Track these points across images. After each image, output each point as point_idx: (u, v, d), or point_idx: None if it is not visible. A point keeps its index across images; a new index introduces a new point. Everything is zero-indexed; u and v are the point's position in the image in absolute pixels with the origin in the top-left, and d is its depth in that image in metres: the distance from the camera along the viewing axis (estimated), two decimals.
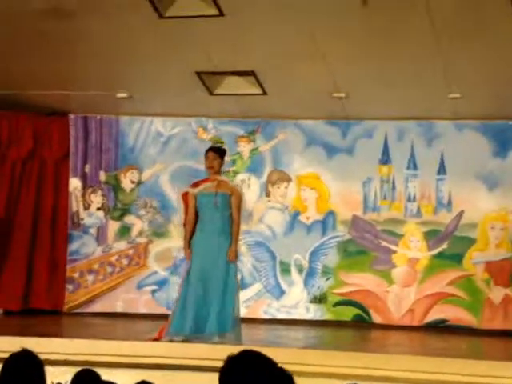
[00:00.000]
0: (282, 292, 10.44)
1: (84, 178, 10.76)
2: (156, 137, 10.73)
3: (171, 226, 10.64)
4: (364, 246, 10.33)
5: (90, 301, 10.61)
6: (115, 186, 10.77)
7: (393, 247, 10.26)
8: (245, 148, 10.53)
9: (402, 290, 10.19)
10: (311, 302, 10.36)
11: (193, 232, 7.64)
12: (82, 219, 10.72)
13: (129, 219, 10.75)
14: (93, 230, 10.74)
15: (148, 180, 10.74)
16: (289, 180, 10.55)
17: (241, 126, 10.62)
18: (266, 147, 10.61)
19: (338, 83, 9.50)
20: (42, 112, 10.62)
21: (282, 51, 8.96)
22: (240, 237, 7.90)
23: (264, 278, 10.46)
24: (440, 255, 10.14)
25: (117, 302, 10.60)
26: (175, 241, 10.60)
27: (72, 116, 10.75)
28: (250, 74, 9.58)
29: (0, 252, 10.40)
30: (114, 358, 6.77)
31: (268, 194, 10.57)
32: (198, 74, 9.61)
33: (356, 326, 10.13)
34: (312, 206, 10.51)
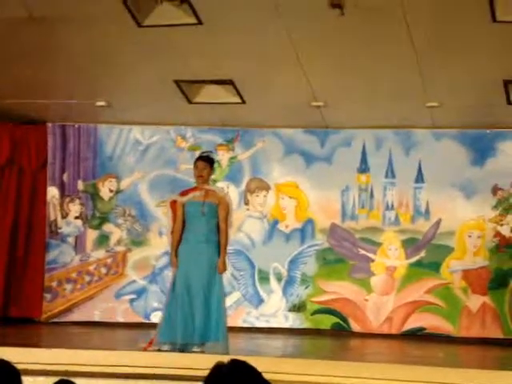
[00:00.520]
0: (261, 300, 10.44)
1: (62, 186, 10.72)
2: (134, 145, 10.72)
3: (150, 235, 10.63)
4: (342, 255, 10.36)
5: (68, 310, 10.57)
6: (93, 195, 10.73)
7: (371, 255, 10.29)
8: (223, 156, 10.54)
9: (380, 298, 10.22)
10: (290, 310, 10.37)
11: (180, 240, 7.63)
12: (60, 228, 10.68)
13: (107, 228, 10.72)
14: (71, 239, 10.70)
15: (126, 188, 10.71)
16: (267, 188, 10.56)
17: (219, 135, 10.62)
18: (244, 156, 10.62)
19: (316, 92, 9.53)
20: (20, 121, 10.57)
21: (261, 60, 8.98)
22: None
23: (243, 287, 10.46)
24: (418, 263, 10.18)
25: (95, 311, 10.56)
26: (154, 249, 10.60)
27: (50, 124, 10.71)
28: (229, 82, 9.60)
29: None
30: (92, 367, 6.73)
31: (247, 203, 10.58)
32: (177, 82, 9.61)
33: (335, 334, 10.15)
34: (291, 214, 10.52)
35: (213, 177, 10.45)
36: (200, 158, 7.80)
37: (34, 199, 10.65)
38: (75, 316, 10.55)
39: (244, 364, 3.09)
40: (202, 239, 7.51)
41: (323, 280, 10.34)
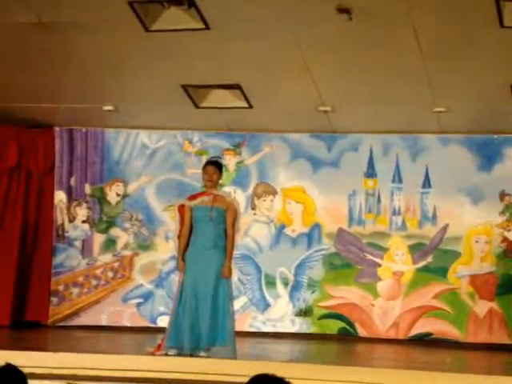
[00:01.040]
0: (268, 305, 10.44)
1: (69, 190, 10.73)
2: (142, 150, 10.73)
3: (156, 239, 10.63)
4: (349, 259, 10.35)
5: (75, 314, 10.57)
6: (101, 199, 10.75)
7: (378, 260, 10.28)
8: (230, 161, 10.54)
9: (387, 303, 10.21)
10: (296, 315, 10.36)
11: (187, 245, 7.63)
12: (67, 232, 10.70)
13: (114, 232, 10.73)
14: (78, 243, 10.71)
15: (133, 193, 10.72)
16: (274, 193, 10.56)
17: (226, 139, 10.63)
18: (251, 160, 10.62)
19: (323, 97, 9.53)
20: (28, 125, 10.60)
21: (268, 65, 8.99)
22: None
23: (249, 291, 10.46)
24: (425, 268, 10.17)
25: (101, 315, 10.56)
26: (160, 254, 10.60)
27: (57, 129, 10.73)
28: (236, 87, 9.61)
29: None
30: (98, 371, 6.73)
31: (254, 207, 10.58)
32: (184, 87, 9.63)
33: (341, 339, 10.13)
34: (297, 219, 10.52)
35: (220, 181, 10.52)
36: (209, 162, 7.80)
37: (41, 203, 10.67)
38: (82, 320, 10.55)
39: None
40: (209, 244, 7.51)
41: (330, 285, 10.33)
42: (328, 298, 10.31)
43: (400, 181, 10.33)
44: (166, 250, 10.55)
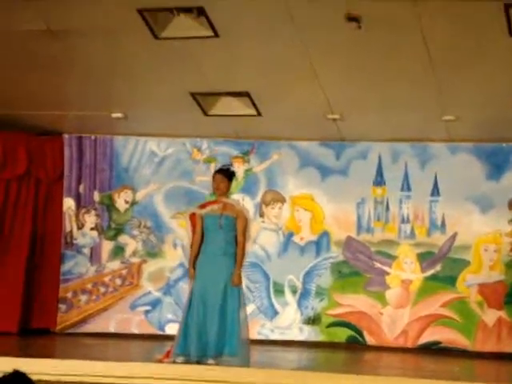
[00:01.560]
0: (276, 313, 10.42)
1: (78, 197, 10.75)
2: (150, 157, 10.74)
3: (165, 247, 10.64)
4: (358, 267, 10.33)
5: (83, 321, 10.58)
6: (109, 206, 10.76)
7: (386, 268, 10.26)
8: (239, 168, 10.54)
9: (395, 311, 10.18)
10: (305, 323, 10.35)
11: (199, 253, 7.66)
12: (76, 239, 10.71)
13: (123, 239, 10.74)
14: (86, 250, 10.72)
15: (142, 200, 10.73)
16: (283, 201, 10.56)
17: (235, 147, 10.63)
18: (260, 168, 10.62)
19: (332, 105, 9.53)
20: (37, 132, 10.62)
21: (277, 72, 8.99)
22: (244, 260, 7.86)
23: (258, 299, 10.45)
24: (434, 277, 10.14)
25: (110, 323, 10.57)
26: (168, 261, 10.61)
27: (66, 136, 10.75)
28: (245, 94, 9.61)
29: None
30: (106, 378, 6.74)
31: (262, 215, 10.57)
32: (193, 94, 9.64)
33: (350, 347, 10.11)
34: (306, 226, 10.51)
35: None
36: (218, 171, 7.86)
37: (49, 210, 10.69)
38: (90, 327, 10.56)
39: None
40: (219, 252, 7.54)
41: (338, 293, 10.31)
42: (336, 306, 10.29)
43: (409, 189, 10.32)
44: (174, 257, 10.57)
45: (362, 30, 7.88)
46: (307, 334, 10.32)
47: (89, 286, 10.67)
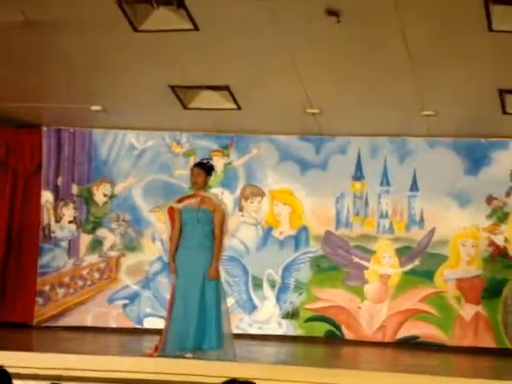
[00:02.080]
0: (254, 307, 10.42)
1: (56, 190, 10.70)
2: (129, 150, 10.70)
3: (143, 240, 10.61)
4: (336, 262, 10.35)
5: (61, 314, 10.53)
6: (87, 199, 10.71)
7: (365, 263, 10.28)
8: (218, 162, 10.52)
9: (373, 306, 10.21)
10: (283, 317, 10.35)
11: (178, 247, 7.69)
12: (54, 232, 10.66)
13: (101, 232, 10.70)
14: (64, 243, 10.67)
15: (121, 193, 10.69)
16: (262, 195, 10.55)
17: (214, 141, 10.61)
18: (239, 162, 10.61)
19: (311, 99, 9.53)
20: (15, 124, 10.56)
21: (257, 66, 8.98)
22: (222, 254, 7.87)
23: (236, 293, 10.44)
24: (412, 272, 10.17)
25: (87, 316, 10.52)
26: (147, 255, 10.58)
27: (45, 128, 10.69)
28: (225, 88, 9.59)
29: None
30: (83, 372, 6.72)
31: (241, 209, 10.56)
32: (172, 87, 9.61)
33: (328, 341, 10.13)
34: (285, 221, 10.51)
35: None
36: (196, 165, 7.94)
37: (27, 203, 10.63)
38: (67, 320, 10.51)
39: None
40: (196, 246, 7.59)
41: (317, 287, 10.32)
42: (315, 301, 10.30)
43: (388, 184, 10.34)
44: (152, 251, 10.54)
45: (342, 25, 7.88)
46: (286, 328, 10.33)
47: (66, 279, 10.62)
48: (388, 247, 10.27)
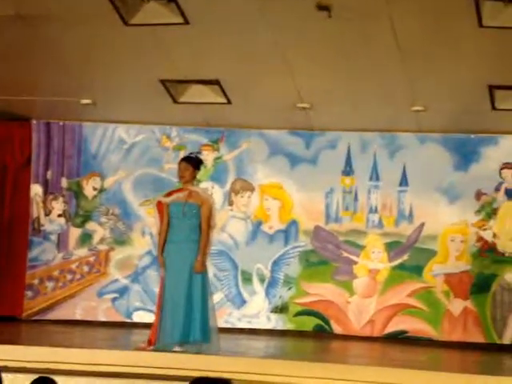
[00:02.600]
0: (244, 301, 10.43)
1: (45, 184, 10.68)
2: (119, 144, 10.69)
3: (133, 234, 10.60)
4: (326, 257, 10.36)
5: (49, 308, 10.52)
6: (77, 193, 10.70)
7: (354, 258, 10.30)
8: (208, 156, 10.52)
9: (362, 300, 10.23)
10: (272, 311, 10.36)
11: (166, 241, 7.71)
12: (43, 225, 10.64)
13: (90, 226, 10.68)
14: (53, 237, 10.66)
15: (110, 187, 10.68)
16: (252, 189, 10.55)
17: (205, 135, 10.61)
18: (229, 156, 10.61)
19: (302, 94, 9.53)
20: (4, 117, 10.53)
21: (248, 61, 8.97)
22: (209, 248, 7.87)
23: (225, 287, 10.45)
24: (401, 266, 10.20)
25: (76, 310, 10.51)
26: (136, 249, 10.58)
27: (34, 122, 10.67)
28: (215, 82, 9.59)
29: None
30: (72, 365, 6.71)
31: (231, 203, 10.56)
32: (163, 81, 9.59)
33: (317, 336, 10.15)
34: (275, 215, 10.52)
35: (197, 177, 10.50)
36: (182, 159, 7.95)
37: (16, 196, 10.61)
38: (56, 314, 10.50)
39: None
40: (183, 239, 7.61)
41: (306, 282, 10.34)
42: (304, 295, 10.32)
43: (377, 179, 10.36)
44: (142, 244, 10.54)
45: (333, 20, 7.88)
46: (275, 322, 10.34)
47: (56, 272, 10.61)
48: (377, 242, 10.29)
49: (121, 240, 10.63)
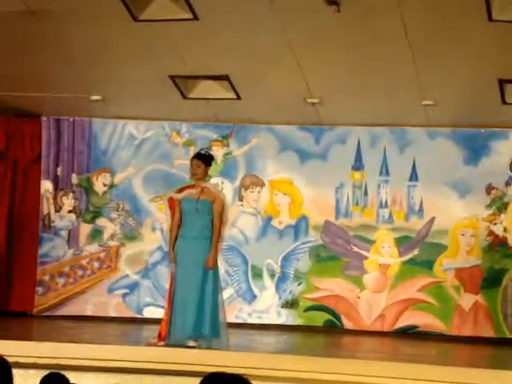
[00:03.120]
0: (254, 296, 10.44)
1: (56, 180, 10.69)
2: (129, 140, 10.69)
3: (143, 230, 10.61)
4: (336, 252, 10.36)
5: (60, 304, 10.54)
6: (87, 189, 10.71)
7: (364, 253, 10.29)
8: (218, 152, 10.51)
9: (373, 295, 10.22)
10: (283, 306, 10.37)
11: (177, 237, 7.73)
12: (53, 222, 10.66)
13: (101, 222, 10.70)
14: (64, 233, 10.68)
15: (120, 183, 10.69)
16: (262, 185, 10.55)
17: (214, 130, 10.60)
18: (239, 152, 10.61)
19: (311, 89, 9.52)
20: (15, 113, 10.55)
21: (257, 56, 8.97)
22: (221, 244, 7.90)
23: (236, 283, 10.45)
24: (411, 261, 10.18)
25: (87, 306, 10.53)
26: (147, 244, 10.59)
27: (44, 118, 10.68)
28: (224, 78, 9.59)
29: None
30: (83, 361, 6.73)
31: (241, 199, 10.56)
32: (172, 77, 9.60)
33: (327, 331, 10.14)
34: (284, 210, 10.52)
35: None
36: (195, 155, 7.93)
37: (27, 192, 10.63)
38: (67, 310, 10.52)
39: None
40: (195, 235, 7.63)
41: (316, 277, 10.33)
42: (314, 290, 10.32)
43: (387, 173, 10.34)
44: (152, 240, 10.54)
45: (342, 14, 7.87)
46: (285, 317, 10.34)
47: (66, 268, 10.63)
48: (387, 237, 10.28)
49: (131, 236, 10.65)
